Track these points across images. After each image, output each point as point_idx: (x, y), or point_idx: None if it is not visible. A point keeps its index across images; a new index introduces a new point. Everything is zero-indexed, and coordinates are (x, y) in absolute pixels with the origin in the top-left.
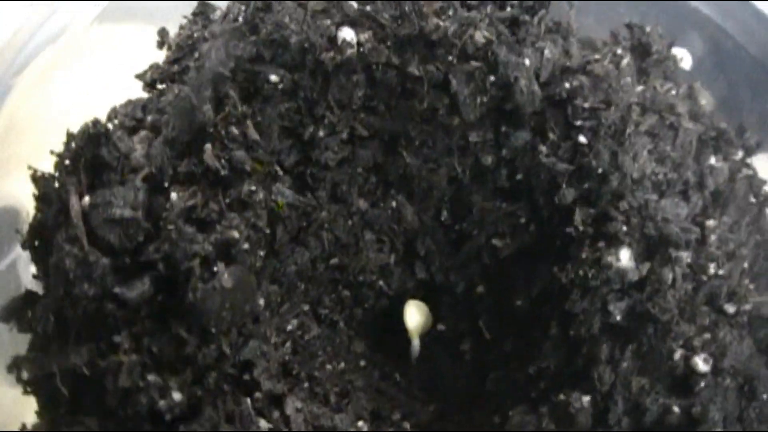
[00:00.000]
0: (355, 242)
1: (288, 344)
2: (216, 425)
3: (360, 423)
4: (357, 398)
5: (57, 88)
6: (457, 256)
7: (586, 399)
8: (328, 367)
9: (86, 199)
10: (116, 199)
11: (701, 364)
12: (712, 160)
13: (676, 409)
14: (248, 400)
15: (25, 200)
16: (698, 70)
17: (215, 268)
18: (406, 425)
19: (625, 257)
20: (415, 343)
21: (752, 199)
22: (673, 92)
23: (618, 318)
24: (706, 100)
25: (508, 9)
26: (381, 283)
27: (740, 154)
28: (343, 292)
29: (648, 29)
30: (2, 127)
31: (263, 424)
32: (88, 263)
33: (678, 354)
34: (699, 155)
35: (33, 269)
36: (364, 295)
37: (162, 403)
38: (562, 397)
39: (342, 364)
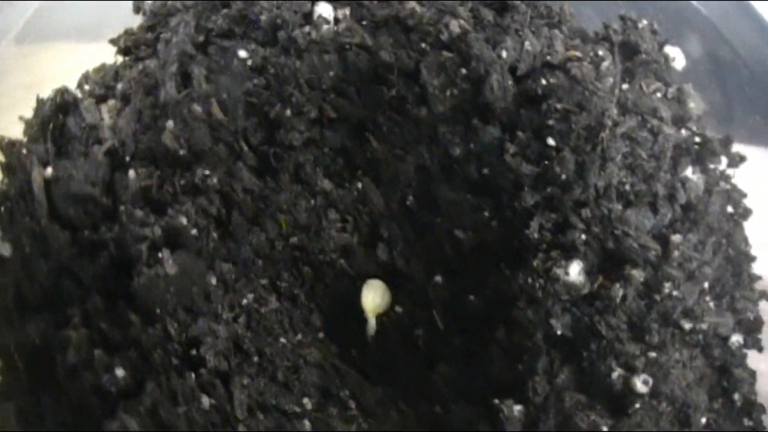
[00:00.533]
0: (317, 222)
1: (242, 318)
2: (158, 401)
3: (305, 400)
4: (308, 374)
5: None
6: (419, 243)
7: (518, 408)
8: (282, 340)
9: (49, 170)
10: (77, 173)
11: (639, 384)
12: (689, 171)
13: (604, 428)
14: (192, 376)
15: None
16: (692, 73)
17: (160, 255)
18: (352, 404)
19: (574, 272)
20: (372, 323)
21: (731, 209)
22: (659, 94)
23: (560, 332)
24: (695, 104)
25: None
26: (342, 262)
27: (722, 165)
28: (304, 268)
29: (641, 25)
30: None
31: (206, 400)
32: (46, 240)
33: (617, 373)
34: (675, 165)
35: None
36: (325, 273)
37: (105, 377)
38: (496, 401)
39: (299, 336)
